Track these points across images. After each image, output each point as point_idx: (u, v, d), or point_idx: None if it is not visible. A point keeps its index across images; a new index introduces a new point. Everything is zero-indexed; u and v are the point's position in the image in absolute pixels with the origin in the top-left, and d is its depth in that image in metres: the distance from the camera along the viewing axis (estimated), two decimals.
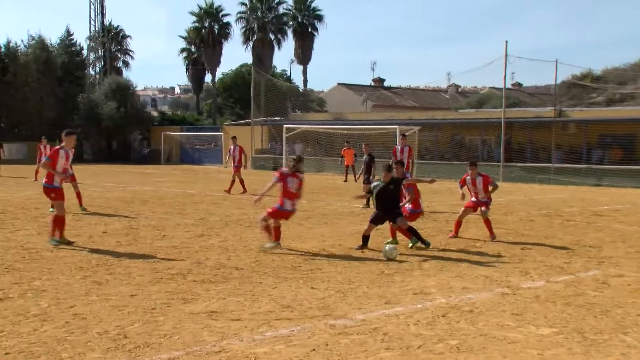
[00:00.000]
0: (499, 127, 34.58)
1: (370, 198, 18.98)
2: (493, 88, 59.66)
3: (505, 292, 8.44)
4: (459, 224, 13.43)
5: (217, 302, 7.68)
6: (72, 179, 16.86)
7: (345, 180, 32.75)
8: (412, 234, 11.67)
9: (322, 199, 22.14)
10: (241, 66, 66.87)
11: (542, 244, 12.51)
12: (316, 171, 41.26)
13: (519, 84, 68.00)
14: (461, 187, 13.51)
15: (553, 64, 34.96)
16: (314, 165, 42.09)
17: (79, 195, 17.24)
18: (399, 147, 19.28)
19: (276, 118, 48.02)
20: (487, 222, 13.20)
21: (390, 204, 11.67)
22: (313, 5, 69.80)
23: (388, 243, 11.43)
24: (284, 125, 43.04)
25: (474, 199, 13.34)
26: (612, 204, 21.49)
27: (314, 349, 6.01)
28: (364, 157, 20.40)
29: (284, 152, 42.69)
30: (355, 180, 32.68)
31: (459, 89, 73.19)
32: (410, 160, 19.17)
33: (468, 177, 13.36)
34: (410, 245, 11.77)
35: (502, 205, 19.65)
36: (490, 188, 13.37)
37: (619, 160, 32.20)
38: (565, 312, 7.45)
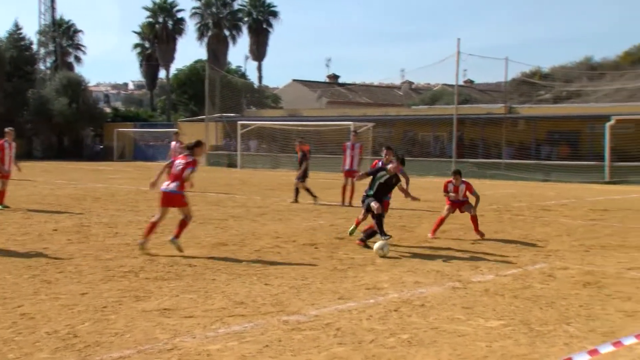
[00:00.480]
0: (451, 124, 35.08)
1: (299, 193, 19.23)
2: (446, 85, 60.33)
3: (456, 286, 8.59)
4: (440, 220, 13.24)
5: (169, 300, 7.64)
6: (7, 176, 16.52)
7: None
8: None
9: (277, 195, 22.16)
10: (196, 62, 66.25)
11: (492, 238, 12.77)
12: (271, 167, 41.25)
13: (471, 81, 68.90)
14: (445, 192, 13.33)
15: (503, 62, 35.70)
16: (269, 162, 42.06)
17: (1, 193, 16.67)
18: (350, 144, 19.37)
19: (231, 114, 47.79)
20: (474, 220, 13.05)
21: (384, 195, 11.83)
22: (268, 1, 69.61)
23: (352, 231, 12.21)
24: (239, 122, 42.92)
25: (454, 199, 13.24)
26: (559, 198, 22.02)
27: (267, 345, 6.04)
28: (299, 154, 20.34)
29: (238, 148, 42.57)
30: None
31: (413, 86, 73.81)
32: (360, 157, 19.35)
33: (451, 184, 13.23)
34: (350, 232, 12.42)
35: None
36: (474, 199, 13.21)
37: (565, 156, 32.98)
38: (513, 304, 7.63)
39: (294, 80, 66.81)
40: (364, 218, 12.18)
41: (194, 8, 68.58)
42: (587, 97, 42.42)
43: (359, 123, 38.26)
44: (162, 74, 72.69)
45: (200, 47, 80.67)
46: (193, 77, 63.36)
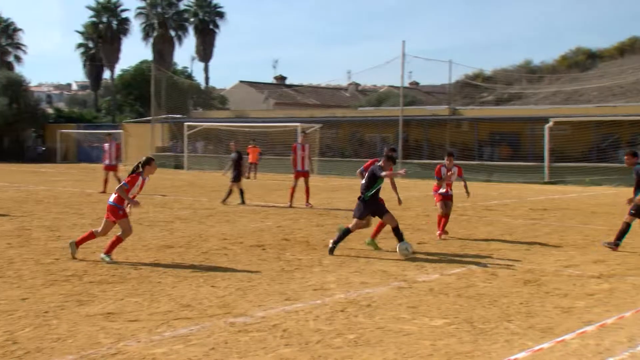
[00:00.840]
0: (397, 125, 35.47)
1: (242, 194, 19.18)
2: (392, 86, 61.01)
3: (402, 285, 8.71)
4: (441, 219, 13.23)
5: (114, 303, 7.54)
6: None
7: (248, 177, 32.78)
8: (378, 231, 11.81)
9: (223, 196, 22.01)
10: (141, 63, 65.20)
11: (437, 238, 12.96)
12: (218, 169, 40.96)
13: (417, 83, 69.83)
14: (438, 178, 13.31)
15: (447, 64, 36.27)
16: (216, 163, 41.78)
17: None
18: (300, 144, 19.50)
19: (177, 116, 47.32)
20: (446, 219, 13.17)
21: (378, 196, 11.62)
22: (214, 2, 69.14)
23: (370, 243, 11.75)
24: (185, 123, 42.54)
25: (443, 190, 13.31)
26: (501, 198, 22.52)
27: (213, 348, 6.03)
28: (232, 154, 20.23)
29: (185, 150, 42.17)
30: (255, 178, 32.85)
31: (359, 87, 74.36)
32: (309, 158, 19.46)
33: (443, 167, 13.30)
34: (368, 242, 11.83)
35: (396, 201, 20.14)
36: (464, 182, 13.51)
37: (507, 157, 33.71)
38: (457, 303, 7.78)
39: (241, 81, 66.50)
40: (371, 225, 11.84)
41: (138, 8, 67.64)
42: (527, 99, 43.47)
43: (306, 124, 38.33)
44: (106, 74, 71.44)
45: (145, 47, 79.62)
46: (139, 77, 62.41)
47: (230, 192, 19.45)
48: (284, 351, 6.00)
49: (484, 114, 37.42)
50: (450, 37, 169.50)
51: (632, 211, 11.53)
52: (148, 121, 47.91)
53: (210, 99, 63.48)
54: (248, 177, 32.75)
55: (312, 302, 7.74)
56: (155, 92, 46.68)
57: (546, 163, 31.38)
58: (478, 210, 18.43)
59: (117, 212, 10.24)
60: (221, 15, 69.46)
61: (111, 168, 22.98)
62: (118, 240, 10.27)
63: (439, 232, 13.16)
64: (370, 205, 11.31)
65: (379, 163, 11.62)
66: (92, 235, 10.43)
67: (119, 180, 22.66)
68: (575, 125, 32.44)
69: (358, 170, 12.61)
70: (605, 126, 31.59)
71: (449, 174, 13.22)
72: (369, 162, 12.42)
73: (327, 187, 26.71)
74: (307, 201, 18.87)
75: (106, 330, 6.50)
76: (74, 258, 10.21)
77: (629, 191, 12.92)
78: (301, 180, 18.98)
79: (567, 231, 14.16)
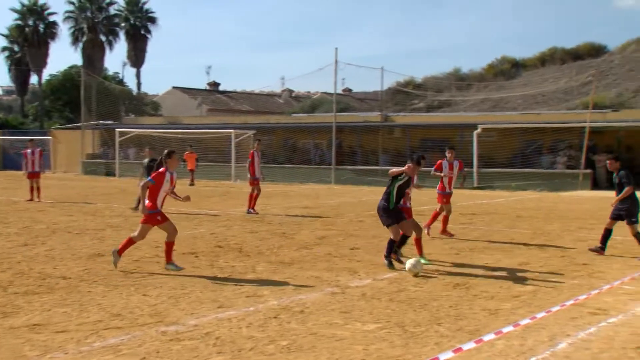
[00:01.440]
0: (330, 131, 35.72)
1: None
2: (325, 93, 61.35)
3: (335, 291, 8.79)
4: (445, 219, 13.84)
5: (40, 315, 7.36)
6: None
7: (192, 184, 32.55)
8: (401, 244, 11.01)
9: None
10: (70, 67, 63.59)
11: (370, 243, 13.13)
12: None
13: (349, 90, 70.46)
14: (437, 171, 13.68)
15: (379, 71, 36.71)
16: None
17: None
18: (256, 152, 19.48)
19: (108, 122, 46.39)
20: (443, 219, 13.56)
21: (400, 200, 10.99)
22: (146, 7, 68.13)
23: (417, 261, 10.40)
24: (117, 129, 41.76)
25: (447, 190, 13.65)
26: (432, 203, 22.85)
27: (144, 357, 5.96)
28: (145, 160, 20.02)
29: (116, 156, 41.41)
30: (193, 184, 32.55)
31: (293, 94, 74.49)
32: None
33: (445, 161, 13.49)
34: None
35: (333, 207, 20.33)
36: (463, 177, 13.87)
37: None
38: (389, 307, 7.91)
39: (174, 87, 65.70)
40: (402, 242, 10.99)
41: (67, 12, 65.93)
42: (457, 106, 44.48)
43: (240, 131, 38.21)
44: (34, 79, 69.41)
45: (75, 52, 77.55)
46: (68, 83, 60.83)
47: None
48: (216, 359, 5.98)
49: (415, 121, 38.06)
50: (382, 44, 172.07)
51: (614, 216, 11.85)
52: (78, 127, 46.79)
53: (142, 105, 62.47)
54: (192, 184, 32.52)
55: (245, 309, 7.74)
56: (85, 98, 45.66)
57: (475, 169, 32.15)
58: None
59: (155, 217, 10.02)
60: (153, 20, 68.54)
61: (34, 175, 22.40)
62: (169, 246, 10.08)
63: (440, 230, 13.83)
64: (395, 213, 10.72)
65: (404, 168, 10.88)
66: (130, 241, 10.14)
67: (39, 189, 22.10)
68: (501, 131, 33.37)
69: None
70: (530, 133, 32.61)
71: (446, 172, 13.65)
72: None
73: (261, 194, 26.64)
74: (253, 208, 18.95)
75: (32, 343, 6.33)
76: (116, 267, 9.99)
77: (553, 196, 13.40)
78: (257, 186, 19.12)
79: (494, 235, 14.56)
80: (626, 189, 11.55)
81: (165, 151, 10.40)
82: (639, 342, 6.56)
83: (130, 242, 10.14)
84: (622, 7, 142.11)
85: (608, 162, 12.15)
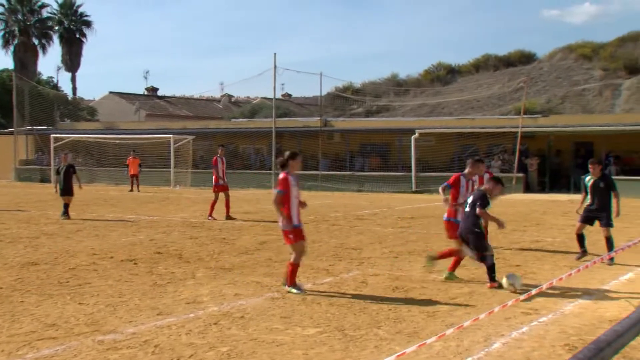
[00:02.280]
0: (270, 136, 35.71)
1: (66, 208, 18.73)
2: (265, 98, 61.27)
3: (275, 296, 8.81)
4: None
5: None
6: None
7: (131, 190, 31.96)
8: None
9: (94, 210, 21.32)
10: (1, 71, 61.60)
11: (309, 248, 13.14)
12: (87, 182, 39.55)
13: (289, 95, 70.57)
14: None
15: (318, 76, 36.87)
16: (85, 176, 40.28)
17: None
18: (220, 158, 19.43)
19: (43, 127, 45.21)
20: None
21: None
22: (80, 10, 66.68)
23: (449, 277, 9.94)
24: (52, 135, 40.76)
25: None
26: (372, 208, 23.18)
27: None
28: (61, 165, 19.83)
29: (52, 163, 40.41)
30: (138, 190, 32.03)
31: (232, 99, 74.12)
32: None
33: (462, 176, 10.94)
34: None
35: (273, 212, 20.27)
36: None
37: (377, 167, 34.77)
38: (328, 312, 7.97)
39: (111, 92, 64.51)
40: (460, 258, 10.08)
41: None
42: (395, 111, 45.08)
43: (179, 136, 37.80)
44: None
45: (6, 55, 75.39)
46: None
47: (65, 206, 18.99)
48: None
49: (354, 126, 38.40)
50: (320, 50, 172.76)
51: (585, 219, 11.90)
52: (11, 133, 45.42)
53: (78, 110, 61.07)
54: (131, 190, 31.97)
55: (185, 316, 7.68)
56: (18, 103, 44.36)
57: (413, 173, 32.63)
58: (350, 219, 18.89)
59: (287, 235, 9.05)
60: (88, 24, 67.14)
61: None
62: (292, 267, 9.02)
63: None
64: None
65: (485, 186, 9.71)
66: (295, 267, 9.03)
67: None
68: (438, 136, 33.98)
69: (442, 187, 10.87)
70: (466, 137, 33.31)
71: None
72: (453, 177, 10.83)
73: (201, 199, 26.43)
74: (229, 214, 18.83)
75: None
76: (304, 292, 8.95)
77: None
78: (221, 194, 19.06)
79: (432, 238, 14.81)
80: (615, 192, 11.58)
81: (288, 152, 9.32)
82: (567, 340, 6.81)
83: (295, 267, 9.04)
84: (548, 16, 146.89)
85: (591, 166, 11.79)
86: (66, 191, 19.17)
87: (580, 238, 11.96)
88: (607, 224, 11.60)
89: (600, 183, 11.73)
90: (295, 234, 9.01)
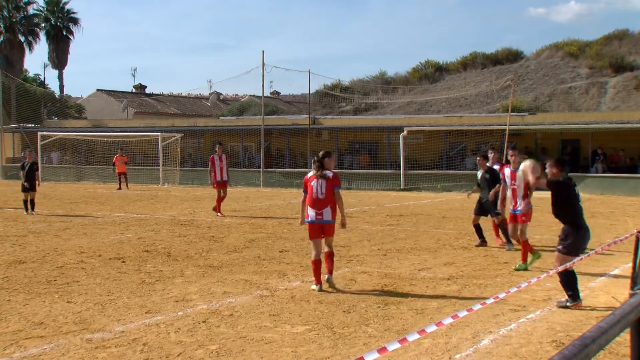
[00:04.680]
0: (258, 134, 35.67)
1: (27, 205, 18.97)
2: (253, 96, 61.15)
3: (264, 294, 8.82)
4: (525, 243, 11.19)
5: None
6: None
7: (119, 188, 31.80)
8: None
9: (82, 208, 21.23)
10: None
11: (298, 246, 13.19)
12: (75, 180, 39.38)
13: (277, 93, 70.43)
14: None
15: (306, 74, 36.83)
16: (73, 174, 40.16)
17: None
18: (217, 156, 19.78)
19: (29, 125, 44.93)
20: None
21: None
22: (67, 7, 66.18)
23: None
24: (39, 133, 40.55)
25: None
26: (361, 205, 23.21)
27: None
28: (25, 162, 19.90)
29: (39, 160, 40.20)
30: (127, 188, 31.90)
31: (221, 97, 73.93)
32: (227, 168, 19.94)
33: (507, 168, 11.68)
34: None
35: (262, 210, 20.33)
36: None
37: (366, 165, 34.81)
38: (317, 309, 7.99)
39: (99, 90, 64.14)
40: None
41: None
42: (383, 109, 45.10)
43: (167, 134, 37.69)
44: None
45: None
46: None
47: (31, 202, 19.40)
48: None
49: (343, 123, 38.40)
50: (308, 48, 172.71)
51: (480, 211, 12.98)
52: None
53: (65, 107, 60.70)
54: (120, 188, 31.81)
55: (174, 314, 7.68)
56: (4, 100, 44.08)
57: (402, 170, 32.70)
58: (338, 217, 18.85)
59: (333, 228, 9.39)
60: (75, 21, 66.62)
61: None
62: (331, 256, 9.31)
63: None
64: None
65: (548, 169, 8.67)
66: (321, 262, 9.23)
67: None
68: (427, 134, 34.06)
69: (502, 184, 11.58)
70: (454, 135, 33.41)
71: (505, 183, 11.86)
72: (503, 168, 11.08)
73: (190, 197, 26.39)
74: (219, 211, 19.20)
75: None
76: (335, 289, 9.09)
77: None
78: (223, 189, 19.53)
79: (420, 236, 14.86)
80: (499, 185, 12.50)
81: (322, 152, 9.56)
82: (554, 336, 6.86)
83: (321, 262, 9.25)
84: (535, 15, 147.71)
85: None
86: (30, 187, 19.42)
87: (477, 229, 13.18)
88: (495, 214, 12.75)
89: (487, 175, 12.88)
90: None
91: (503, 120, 31.92)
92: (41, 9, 65.57)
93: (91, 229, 15.71)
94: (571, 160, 30.74)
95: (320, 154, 9.46)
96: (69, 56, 66.85)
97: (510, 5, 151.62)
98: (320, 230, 9.32)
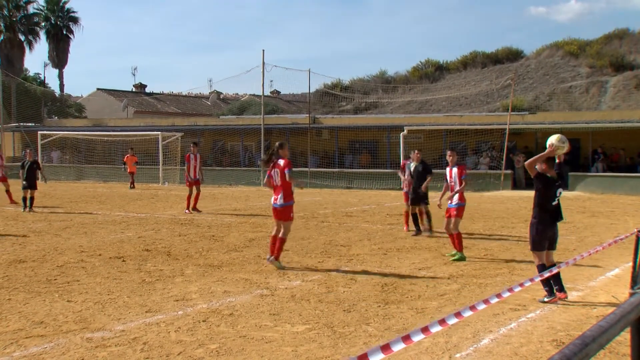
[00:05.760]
0: (259, 133, 35.64)
1: (27, 201, 19.31)
2: (253, 95, 61.13)
3: (264, 293, 8.81)
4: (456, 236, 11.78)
5: None
6: None
7: (132, 187, 31.90)
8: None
9: (82, 207, 21.23)
10: None
11: (298, 245, 13.19)
12: (75, 179, 39.40)
13: (278, 92, 70.41)
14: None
15: (306, 73, 36.81)
16: (73, 173, 40.18)
17: None
18: (192, 155, 20.54)
19: (30, 124, 44.93)
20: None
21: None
22: (67, 6, 66.16)
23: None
24: (39, 132, 40.55)
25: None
26: (361, 204, 23.22)
27: None
28: (26, 160, 20.50)
29: (39, 159, 40.23)
30: (134, 187, 31.96)
31: (221, 96, 73.91)
32: (200, 166, 20.66)
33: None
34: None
35: (262, 209, 20.31)
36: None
37: (366, 164, 34.81)
38: (318, 308, 7.99)
39: (99, 89, 64.15)
40: None
41: None
42: (384, 108, 45.04)
43: (168, 133, 37.69)
44: None
45: None
46: None
47: (31, 199, 19.90)
48: None
49: (343, 123, 38.40)
50: (308, 47, 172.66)
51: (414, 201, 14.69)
52: None
53: (66, 106, 60.71)
54: (132, 187, 31.93)
55: (174, 313, 7.68)
56: (5, 100, 44.09)
57: None
58: (338, 216, 18.90)
59: (289, 213, 10.71)
60: (75, 20, 66.58)
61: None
62: (280, 243, 10.65)
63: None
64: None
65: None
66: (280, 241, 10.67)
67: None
68: (427, 133, 34.03)
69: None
70: (454, 134, 33.38)
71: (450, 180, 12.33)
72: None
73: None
74: (195, 206, 20.06)
75: None
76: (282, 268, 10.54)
77: (477, 196, 13.77)
78: (193, 187, 20.28)
79: (420, 235, 14.84)
80: (430, 176, 14.68)
81: (277, 143, 10.97)
82: (554, 336, 6.86)
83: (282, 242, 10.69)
84: (535, 14, 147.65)
85: (417, 154, 14.88)
86: (29, 185, 19.98)
87: (414, 218, 14.72)
88: (425, 204, 14.68)
89: (419, 167, 14.65)
90: (290, 216, 10.78)
91: (503, 120, 31.94)
92: (41, 8, 65.52)
93: (91, 228, 15.71)
94: (571, 160, 30.72)
95: (276, 144, 10.83)
96: (69, 55, 66.83)
97: (511, 4, 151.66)
98: (276, 213, 10.72)
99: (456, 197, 11.84)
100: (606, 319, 2.97)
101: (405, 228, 15.34)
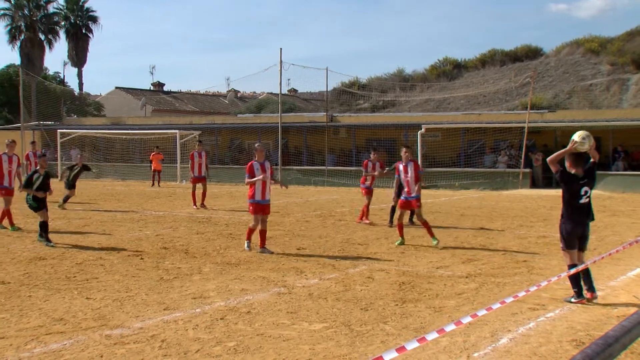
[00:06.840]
0: (276, 132, 35.67)
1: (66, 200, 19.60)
2: (271, 93, 61.23)
3: (282, 291, 8.82)
4: (400, 227, 13.18)
5: None
6: None
7: (153, 185, 32.13)
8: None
9: (100, 205, 21.38)
10: (8, 67, 61.65)
11: (316, 243, 13.19)
12: (94, 177, 39.66)
13: (295, 90, 70.45)
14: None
15: (324, 72, 36.74)
16: (91, 172, 40.43)
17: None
18: (197, 153, 20.92)
19: (49, 123, 45.31)
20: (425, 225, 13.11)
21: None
22: (87, 5, 66.66)
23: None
24: (59, 130, 40.88)
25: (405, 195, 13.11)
26: (378, 203, 23.13)
27: None
28: (76, 165, 21.42)
29: (58, 158, 40.56)
30: (159, 185, 32.19)
31: (238, 94, 74.10)
32: (206, 164, 21.12)
33: (400, 164, 13.14)
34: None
35: (280, 207, 20.33)
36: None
37: (383, 163, 34.67)
38: (335, 307, 7.97)
39: (117, 87, 64.60)
40: None
41: (2, 9, 63.79)
42: (401, 106, 44.89)
43: (185, 131, 37.83)
44: None
45: (12, 51, 75.42)
46: (5, 82, 59.18)
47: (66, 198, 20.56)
48: None
49: (360, 121, 38.31)
50: (326, 46, 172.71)
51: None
52: (18, 128, 45.58)
53: (85, 105, 61.18)
54: (153, 185, 32.21)
55: (192, 311, 7.70)
56: (25, 98, 44.47)
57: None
58: (356, 215, 18.84)
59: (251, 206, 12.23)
60: (94, 19, 67.07)
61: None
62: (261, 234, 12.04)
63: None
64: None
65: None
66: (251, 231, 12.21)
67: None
68: (445, 131, 33.88)
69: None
70: (472, 133, 33.20)
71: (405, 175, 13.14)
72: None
73: (207, 195, 26.46)
74: (202, 203, 20.46)
75: None
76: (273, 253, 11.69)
77: (495, 194, 13.67)
78: (199, 184, 20.71)
79: (438, 234, 14.73)
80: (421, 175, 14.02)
81: (259, 145, 12.66)
82: (574, 335, 6.79)
83: (251, 231, 12.26)
84: (555, 11, 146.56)
85: (407, 151, 13.31)
86: (72, 186, 20.95)
87: (393, 211, 15.49)
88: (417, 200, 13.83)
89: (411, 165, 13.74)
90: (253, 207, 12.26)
91: (522, 118, 31.71)
92: (61, 7, 66.05)
93: (110, 226, 15.80)
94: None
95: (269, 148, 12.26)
96: (88, 54, 67.29)
97: (531, 1, 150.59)
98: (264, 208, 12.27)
99: (416, 189, 12.95)
100: (629, 319, 2.93)
101: (358, 220, 16.62)
